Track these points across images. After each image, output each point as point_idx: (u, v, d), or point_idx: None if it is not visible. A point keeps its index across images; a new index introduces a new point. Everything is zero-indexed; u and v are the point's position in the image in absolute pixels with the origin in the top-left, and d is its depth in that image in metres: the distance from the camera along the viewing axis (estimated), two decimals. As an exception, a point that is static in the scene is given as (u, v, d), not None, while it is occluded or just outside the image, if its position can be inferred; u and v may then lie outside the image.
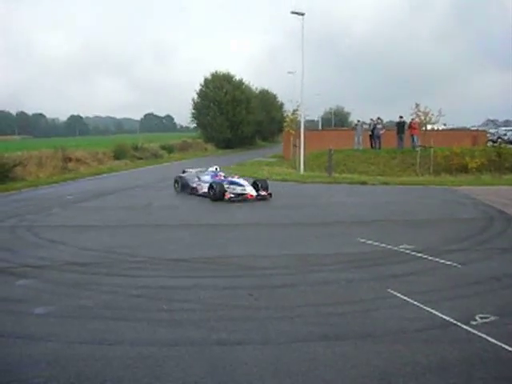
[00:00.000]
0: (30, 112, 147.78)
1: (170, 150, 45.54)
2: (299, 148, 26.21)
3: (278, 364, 4.42)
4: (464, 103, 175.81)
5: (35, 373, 4.33)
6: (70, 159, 30.35)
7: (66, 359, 4.57)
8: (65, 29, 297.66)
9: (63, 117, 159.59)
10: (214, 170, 18.33)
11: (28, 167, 25.75)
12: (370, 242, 9.43)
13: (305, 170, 25.88)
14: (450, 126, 53.26)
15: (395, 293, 6.33)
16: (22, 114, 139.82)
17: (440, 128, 42.86)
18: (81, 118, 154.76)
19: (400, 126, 27.70)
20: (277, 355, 4.60)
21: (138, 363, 4.46)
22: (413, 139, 26.71)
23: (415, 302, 5.94)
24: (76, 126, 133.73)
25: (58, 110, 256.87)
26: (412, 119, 27.76)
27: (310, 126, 59.35)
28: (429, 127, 31.82)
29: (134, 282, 7.07)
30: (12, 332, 5.26)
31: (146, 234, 10.94)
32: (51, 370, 4.35)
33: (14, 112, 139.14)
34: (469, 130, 49.82)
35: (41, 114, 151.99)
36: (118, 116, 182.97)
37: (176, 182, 18.57)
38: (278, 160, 36.73)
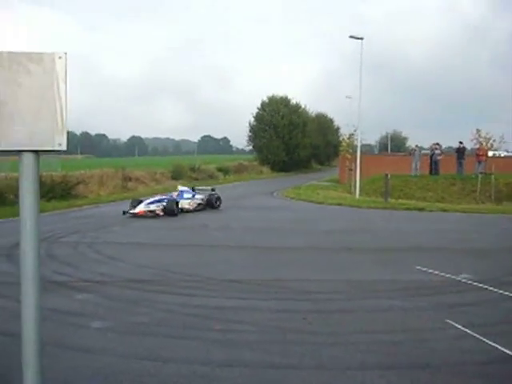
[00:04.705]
0: (93, 132, 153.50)
1: (225, 171, 46.11)
2: (355, 172, 26.02)
3: (332, 390, 4.35)
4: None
5: (93, 385, 4.44)
6: (130, 178, 31.25)
7: (122, 373, 4.66)
8: (129, 53, 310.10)
9: (124, 137, 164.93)
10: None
11: (90, 185, 26.68)
12: (428, 270, 9.18)
13: (360, 194, 25.64)
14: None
15: (454, 323, 6.12)
16: (85, 134, 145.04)
17: (502, 155, 41.57)
18: (141, 138, 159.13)
19: (460, 151, 27.09)
20: (330, 381, 4.54)
21: (192, 382, 4.49)
22: (479, 164, 25.95)
23: (475, 334, 5.72)
24: (136, 146, 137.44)
25: (119, 130, 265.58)
26: (480, 144, 27.37)
27: (367, 150, 58.76)
28: (490, 154, 31.01)
29: (190, 300, 7.15)
30: (71, 344, 5.40)
31: (202, 253, 11.07)
32: (108, 384, 4.46)
33: (78, 132, 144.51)
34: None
35: (103, 135, 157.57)
36: (177, 138, 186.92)
37: None
38: (334, 184, 36.52)
